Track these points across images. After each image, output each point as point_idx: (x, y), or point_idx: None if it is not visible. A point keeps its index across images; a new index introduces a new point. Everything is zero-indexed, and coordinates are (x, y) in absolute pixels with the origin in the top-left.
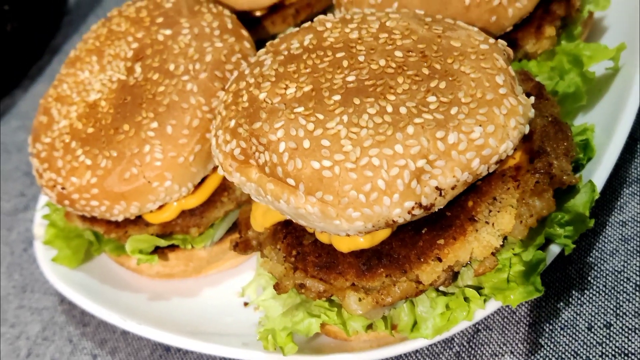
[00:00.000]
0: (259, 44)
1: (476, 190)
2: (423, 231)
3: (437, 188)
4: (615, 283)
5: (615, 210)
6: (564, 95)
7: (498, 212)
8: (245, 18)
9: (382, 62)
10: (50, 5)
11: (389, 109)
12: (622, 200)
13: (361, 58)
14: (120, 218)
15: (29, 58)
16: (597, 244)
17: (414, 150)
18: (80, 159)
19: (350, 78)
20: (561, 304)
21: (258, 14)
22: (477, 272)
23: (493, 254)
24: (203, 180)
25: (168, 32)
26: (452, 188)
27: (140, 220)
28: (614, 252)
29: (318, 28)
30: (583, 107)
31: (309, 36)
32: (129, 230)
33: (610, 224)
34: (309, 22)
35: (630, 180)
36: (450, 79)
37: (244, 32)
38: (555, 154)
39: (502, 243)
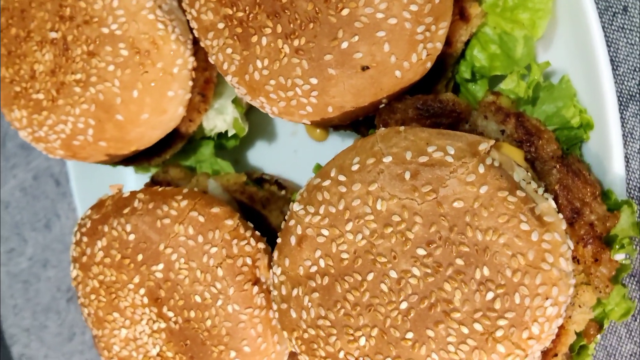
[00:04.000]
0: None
1: None
2: None
3: None
4: None
5: None
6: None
7: (577, 294)
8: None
9: (417, 272)
10: None
11: (465, 330)
12: None
13: (393, 274)
14: None
15: None
16: None
17: None
18: None
19: (403, 306)
20: None
21: None
22: (589, 341)
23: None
24: None
25: (160, 266)
26: None
27: None
28: None
29: (318, 239)
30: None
31: (318, 253)
32: None
33: None
34: (295, 224)
35: None
36: (487, 258)
37: (217, 210)
38: (589, 208)
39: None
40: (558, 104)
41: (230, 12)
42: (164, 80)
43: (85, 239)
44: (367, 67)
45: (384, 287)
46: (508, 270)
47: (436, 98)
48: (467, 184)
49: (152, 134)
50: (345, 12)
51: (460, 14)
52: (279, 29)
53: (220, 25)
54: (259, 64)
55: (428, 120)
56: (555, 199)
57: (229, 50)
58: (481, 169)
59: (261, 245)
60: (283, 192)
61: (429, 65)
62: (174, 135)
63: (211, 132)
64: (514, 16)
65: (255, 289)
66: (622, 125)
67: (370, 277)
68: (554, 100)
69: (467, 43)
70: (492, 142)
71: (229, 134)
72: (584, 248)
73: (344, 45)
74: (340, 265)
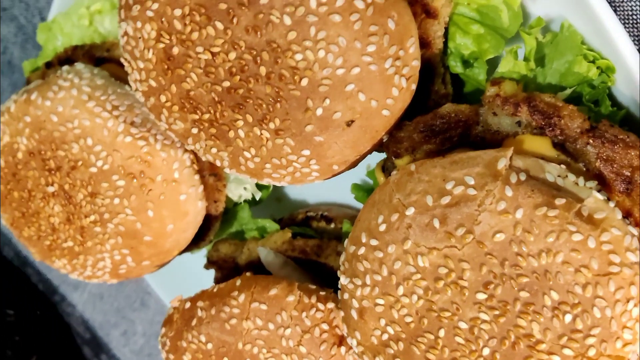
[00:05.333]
0: (227, 219)
1: None
2: None
3: None
4: None
5: None
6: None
7: None
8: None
9: (485, 316)
10: None
11: (556, 358)
12: None
13: (463, 325)
14: None
15: None
16: None
17: None
18: None
19: (486, 352)
20: None
21: None
22: None
23: None
24: None
25: (256, 349)
26: None
27: None
28: None
29: (377, 309)
30: None
31: (383, 321)
32: None
33: None
34: (350, 298)
35: None
36: (550, 282)
37: (276, 291)
38: (638, 172)
39: None
40: (568, 58)
41: (197, 116)
42: (170, 189)
43: (171, 356)
44: (352, 121)
45: (459, 339)
46: (577, 287)
47: (436, 115)
48: (500, 213)
49: (185, 236)
50: (304, 82)
51: (426, 12)
52: (249, 118)
53: (194, 130)
54: (247, 154)
55: (437, 139)
56: (601, 176)
57: (214, 150)
58: (509, 192)
59: (330, 305)
60: (332, 225)
61: (413, 87)
62: (208, 219)
63: (240, 200)
64: None
65: (343, 349)
66: None
67: (442, 333)
68: (562, 54)
69: (445, 34)
70: (510, 151)
71: (257, 198)
72: None
73: (319, 112)
74: (409, 328)
